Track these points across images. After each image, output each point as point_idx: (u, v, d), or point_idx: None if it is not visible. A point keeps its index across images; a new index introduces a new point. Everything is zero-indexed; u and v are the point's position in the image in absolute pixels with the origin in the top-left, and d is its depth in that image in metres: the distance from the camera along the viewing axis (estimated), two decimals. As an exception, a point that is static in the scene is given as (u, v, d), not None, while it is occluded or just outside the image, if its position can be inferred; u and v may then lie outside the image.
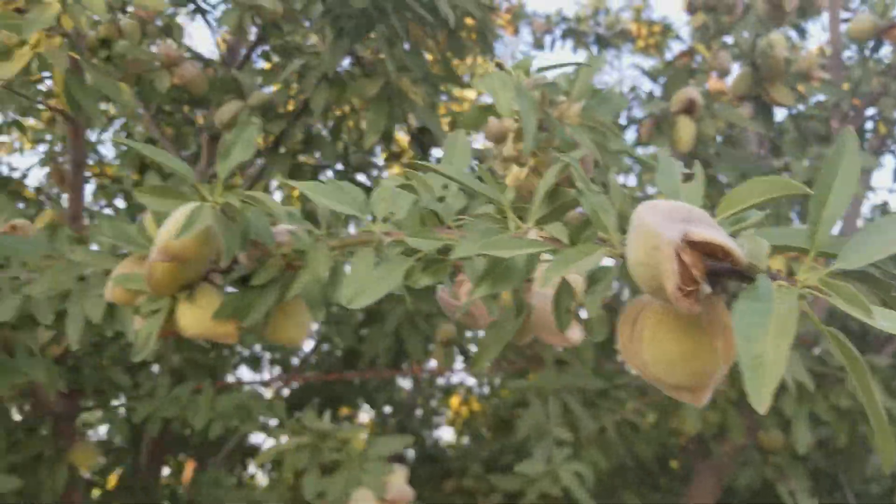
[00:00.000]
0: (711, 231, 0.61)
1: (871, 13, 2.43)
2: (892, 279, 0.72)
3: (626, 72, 10.50)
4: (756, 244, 0.66)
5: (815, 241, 0.64)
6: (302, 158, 2.60)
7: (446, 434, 4.84)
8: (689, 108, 1.93)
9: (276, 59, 2.55)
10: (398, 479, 1.81)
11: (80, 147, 1.97)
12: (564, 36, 4.67)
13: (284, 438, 2.01)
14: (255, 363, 3.65)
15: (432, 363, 3.45)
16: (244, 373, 4.50)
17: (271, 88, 2.56)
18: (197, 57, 2.51)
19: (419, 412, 4.19)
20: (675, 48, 4.70)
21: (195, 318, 0.97)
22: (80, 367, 2.15)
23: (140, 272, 1.00)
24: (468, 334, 2.85)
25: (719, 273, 0.66)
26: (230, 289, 1.00)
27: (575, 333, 0.88)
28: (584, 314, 0.90)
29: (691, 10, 3.29)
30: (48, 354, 1.78)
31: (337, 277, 0.92)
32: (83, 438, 2.28)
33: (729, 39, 2.60)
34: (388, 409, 3.94)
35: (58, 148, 2.91)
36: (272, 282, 0.94)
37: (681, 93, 1.93)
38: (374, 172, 2.95)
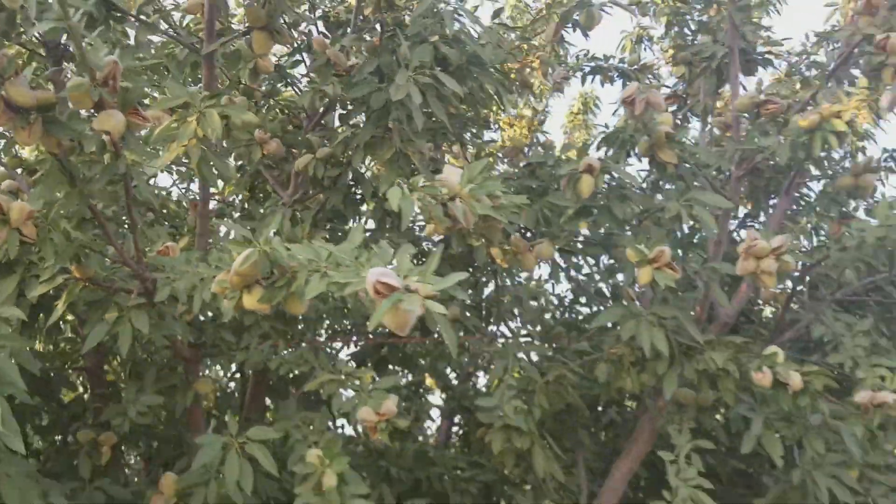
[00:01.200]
0: (388, 278, 1.60)
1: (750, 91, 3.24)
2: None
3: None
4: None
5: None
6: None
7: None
8: (589, 170, 2.87)
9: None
10: (390, 402, 2.87)
11: (206, 193, 3.14)
12: (592, 73, 5.55)
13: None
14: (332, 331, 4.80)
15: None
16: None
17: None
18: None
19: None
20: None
21: (249, 301, 2.06)
22: (203, 328, 3.34)
23: (227, 279, 2.11)
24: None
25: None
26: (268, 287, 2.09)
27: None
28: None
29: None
30: (183, 320, 2.96)
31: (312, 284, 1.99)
32: (204, 376, 3.48)
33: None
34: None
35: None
36: (284, 285, 2.02)
37: (585, 159, 2.87)
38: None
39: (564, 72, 5.00)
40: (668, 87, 4.50)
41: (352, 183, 3.61)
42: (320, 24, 3.62)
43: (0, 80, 2.11)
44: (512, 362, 3.29)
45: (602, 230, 3.27)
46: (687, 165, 2.97)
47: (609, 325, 3.34)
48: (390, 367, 4.63)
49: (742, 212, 4.13)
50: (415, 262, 3.96)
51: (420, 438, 5.33)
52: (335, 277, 1.72)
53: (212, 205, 4.24)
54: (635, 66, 5.47)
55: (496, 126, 5.91)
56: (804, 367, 2.92)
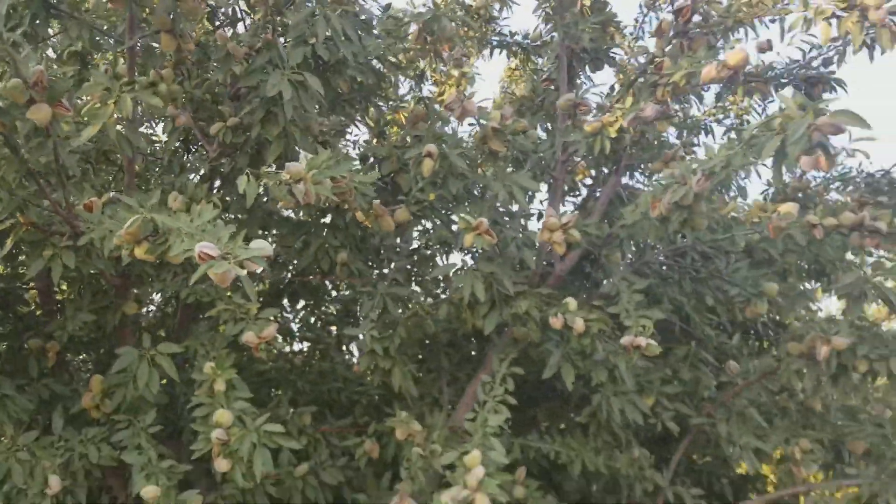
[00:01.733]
0: (209, 249, 2.40)
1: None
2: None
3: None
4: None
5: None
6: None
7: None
8: (429, 155, 3.65)
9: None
10: (272, 328, 3.70)
11: (132, 155, 3.90)
12: (498, 46, 6.26)
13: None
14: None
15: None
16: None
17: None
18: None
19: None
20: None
21: (139, 252, 2.86)
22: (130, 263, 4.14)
23: (122, 234, 2.90)
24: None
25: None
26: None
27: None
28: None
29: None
30: (111, 256, 3.76)
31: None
32: (131, 300, 4.29)
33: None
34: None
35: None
36: (161, 243, 2.82)
37: (426, 146, 3.64)
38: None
39: (462, 50, 5.70)
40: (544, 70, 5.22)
41: (257, 147, 4.37)
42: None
43: None
44: (378, 301, 4.14)
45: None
46: (511, 153, 3.76)
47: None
48: (300, 299, 5.49)
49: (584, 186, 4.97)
50: (264, 233, 4.81)
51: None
52: (186, 244, 2.52)
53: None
54: (537, 42, 6.19)
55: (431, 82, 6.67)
56: (590, 314, 3.80)
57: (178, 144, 4.88)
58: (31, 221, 3.43)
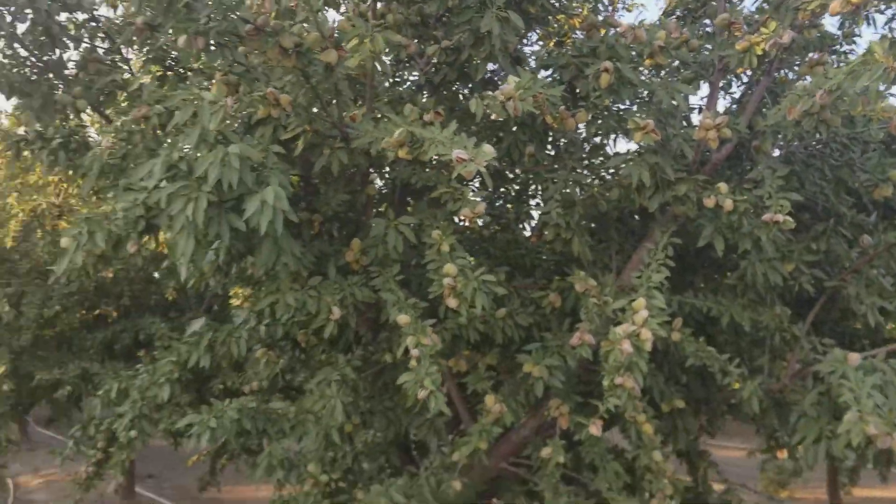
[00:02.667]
0: (461, 153, 3.57)
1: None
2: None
3: None
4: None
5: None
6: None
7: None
8: (606, 70, 4.59)
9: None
10: (481, 206, 4.92)
11: (373, 78, 5.15)
12: None
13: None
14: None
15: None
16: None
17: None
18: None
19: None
20: None
21: (402, 153, 4.11)
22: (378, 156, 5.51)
23: (390, 140, 4.14)
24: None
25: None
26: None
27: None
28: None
29: None
30: (369, 154, 5.10)
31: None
32: (371, 184, 5.68)
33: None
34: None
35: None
36: (418, 146, 4.03)
37: (603, 63, 4.57)
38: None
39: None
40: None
41: (464, 65, 5.47)
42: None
43: (275, 34, 4.14)
44: (560, 184, 5.24)
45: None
46: (675, 63, 4.62)
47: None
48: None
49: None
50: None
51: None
52: (440, 149, 3.73)
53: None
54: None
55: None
56: (739, 195, 4.70)
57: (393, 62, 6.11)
58: (316, 129, 4.78)
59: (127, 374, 6.19)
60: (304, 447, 5.67)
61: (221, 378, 7.89)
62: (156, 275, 10.87)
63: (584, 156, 5.45)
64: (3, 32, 5.04)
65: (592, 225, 5.83)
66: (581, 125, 5.16)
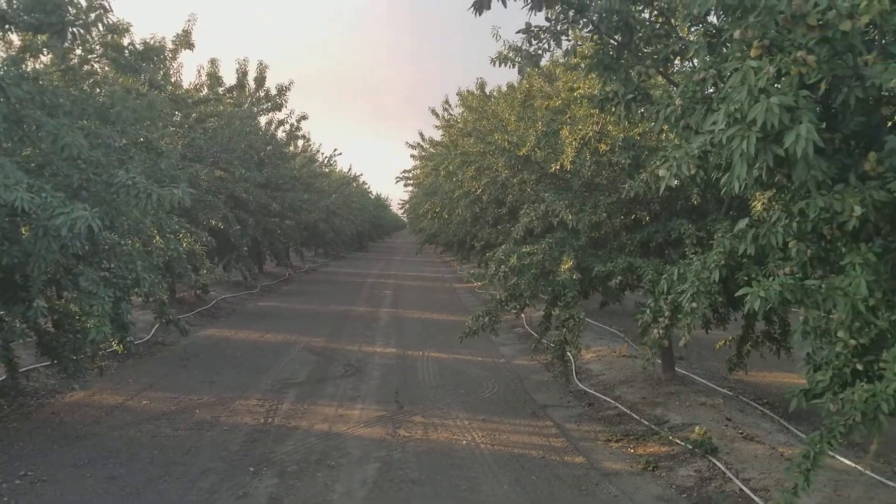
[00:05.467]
0: None
1: None
2: None
3: None
4: None
5: None
6: None
7: None
8: None
9: None
10: None
11: None
12: None
13: None
14: None
15: None
16: None
17: None
18: None
19: None
20: None
21: None
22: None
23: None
24: None
25: None
26: None
27: None
28: None
29: None
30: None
31: None
32: None
33: None
34: None
35: None
36: None
37: None
38: None
39: None
40: None
41: None
42: None
43: (803, 16, 5.77)
44: None
45: None
46: None
47: None
48: None
49: None
50: None
51: None
52: None
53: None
54: None
55: None
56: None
57: None
58: (835, 74, 6.25)
59: (683, 262, 8.55)
60: (834, 317, 7.17)
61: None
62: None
63: None
64: (587, 21, 7.55)
65: None
66: None
